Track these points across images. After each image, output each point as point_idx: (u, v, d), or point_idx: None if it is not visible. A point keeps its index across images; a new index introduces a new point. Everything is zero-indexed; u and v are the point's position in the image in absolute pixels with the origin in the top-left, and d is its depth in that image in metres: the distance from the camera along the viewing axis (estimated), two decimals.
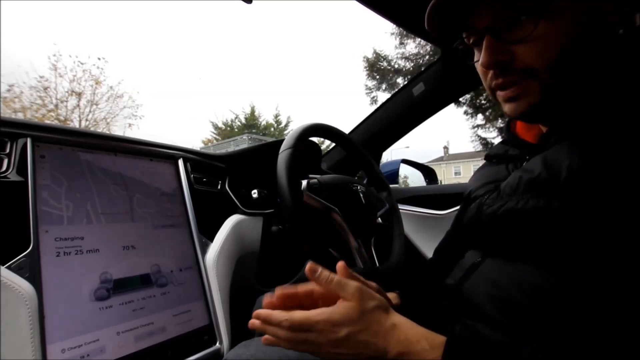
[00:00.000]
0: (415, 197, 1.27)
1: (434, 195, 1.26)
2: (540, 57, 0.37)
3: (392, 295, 0.55)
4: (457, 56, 0.47)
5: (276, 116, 15.68)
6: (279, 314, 0.38)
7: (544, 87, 0.39)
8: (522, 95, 0.40)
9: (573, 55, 0.37)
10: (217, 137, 15.00)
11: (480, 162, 0.59)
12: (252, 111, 15.41)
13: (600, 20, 0.38)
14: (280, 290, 0.41)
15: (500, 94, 0.42)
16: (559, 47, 0.37)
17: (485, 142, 7.34)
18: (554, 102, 0.40)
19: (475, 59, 0.45)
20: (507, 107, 0.42)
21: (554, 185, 0.36)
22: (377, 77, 8.19)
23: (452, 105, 1.29)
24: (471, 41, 0.44)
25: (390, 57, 8.03)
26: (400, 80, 8.01)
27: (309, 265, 0.40)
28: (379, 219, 0.89)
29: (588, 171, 0.34)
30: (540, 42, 0.37)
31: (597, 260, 0.33)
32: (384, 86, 8.19)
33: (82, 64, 9.52)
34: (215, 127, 15.36)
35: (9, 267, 0.50)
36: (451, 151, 25.89)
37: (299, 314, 0.37)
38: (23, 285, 0.50)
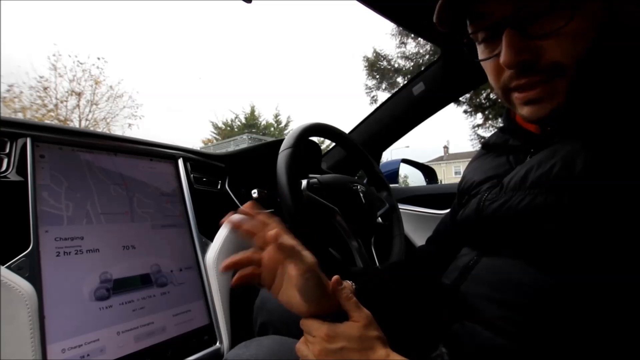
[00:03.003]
0: (415, 197, 1.27)
1: (434, 195, 1.26)
2: (569, 52, 0.33)
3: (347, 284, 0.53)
4: (462, 52, 0.43)
5: (276, 116, 15.72)
6: (309, 321, 0.40)
7: (571, 86, 0.35)
8: (547, 98, 0.36)
9: (602, 49, 0.34)
10: (217, 136, 15.01)
11: None
12: (252, 111, 15.43)
13: (619, 15, 0.35)
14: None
15: (518, 95, 0.38)
16: (589, 41, 0.34)
17: None
18: (579, 104, 0.36)
19: (481, 57, 0.41)
20: (526, 110, 0.38)
21: (567, 181, 0.34)
22: (377, 76, 8.19)
23: (452, 105, 1.29)
24: (480, 38, 0.40)
25: (390, 57, 8.04)
26: (400, 80, 8.01)
27: (336, 277, 0.41)
28: (379, 218, 0.89)
29: (605, 167, 0.32)
30: (571, 35, 0.33)
31: (603, 260, 0.32)
32: (383, 85, 8.19)
33: (81, 63, 9.54)
34: (215, 126, 15.39)
35: (8, 267, 0.50)
36: (451, 150, 25.89)
37: (308, 320, 0.40)
38: (23, 285, 0.50)
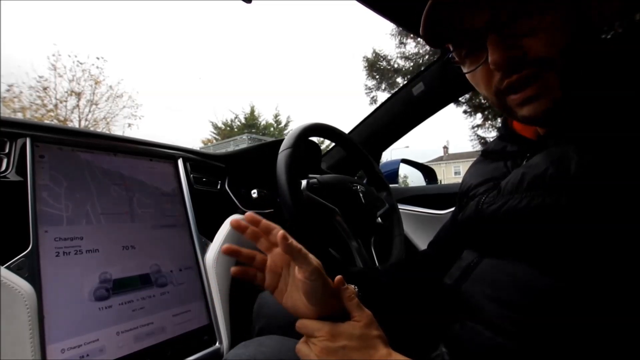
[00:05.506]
0: (415, 197, 1.27)
1: (433, 195, 1.26)
2: (551, 45, 0.35)
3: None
4: (452, 69, 0.46)
5: (276, 116, 15.73)
6: (309, 322, 0.41)
7: (563, 78, 0.36)
8: (543, 94, 0.37)
9: (582, 43, 0.36)
10: (217, 137, 15.02)
11: None
12: (252, 111, 15.43)
13: (591, 18, 0.37)
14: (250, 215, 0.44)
15: (514, 97, 0.38)
16: (568, 34, 0.35)
17: (484, 142, 7.35)
18: (575, 95, 0.37)
19: (466, 70, 0.43)
20: (525, 110, 0.38)
21: (562, 182, 0.35)
22: (377, 76, 8.20)
23: (451, 105, 1.29)
24: (463, 54, 0.42)
25: (389, 57, 8.05)
26: (400, 80, 8.02)
27: (339, 277, 0.42)
28: (379, 218, 0.89)
29: (599, 167, 0.33)
30: (549, 31, 0.35)
31: (602, 260, 0.32)
32: (383, 86, 8.20)
33: (81, 63, 9.54)
34: (215, 127, 15.39)
35: (8, 267, 0.50)
36: (451, 151, 25.89)
37: (308, 321, 0.41)
38: (22, 285, 0.50)
